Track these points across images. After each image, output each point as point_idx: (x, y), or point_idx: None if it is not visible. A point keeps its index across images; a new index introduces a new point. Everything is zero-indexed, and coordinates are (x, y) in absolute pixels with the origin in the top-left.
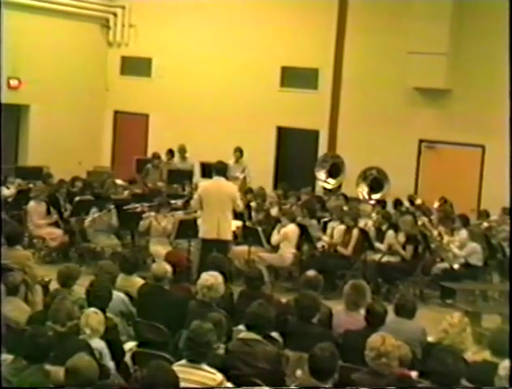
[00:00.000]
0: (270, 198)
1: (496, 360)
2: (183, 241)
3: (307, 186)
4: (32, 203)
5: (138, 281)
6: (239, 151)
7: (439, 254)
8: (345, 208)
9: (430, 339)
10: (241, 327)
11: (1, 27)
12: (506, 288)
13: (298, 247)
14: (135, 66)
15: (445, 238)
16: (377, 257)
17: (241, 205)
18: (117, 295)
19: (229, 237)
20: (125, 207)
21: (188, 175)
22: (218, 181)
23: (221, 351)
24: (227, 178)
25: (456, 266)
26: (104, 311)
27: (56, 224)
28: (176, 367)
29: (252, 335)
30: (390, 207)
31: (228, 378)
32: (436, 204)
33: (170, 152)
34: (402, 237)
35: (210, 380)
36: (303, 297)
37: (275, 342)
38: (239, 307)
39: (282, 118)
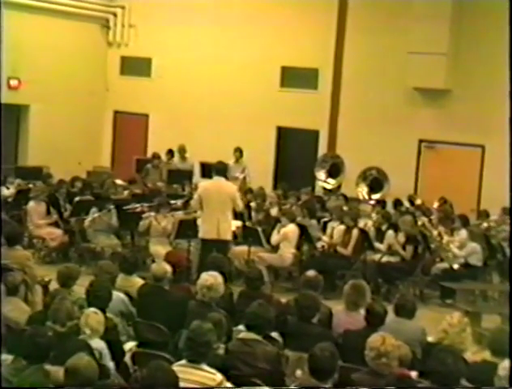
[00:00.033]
0: (270, 198)
1: (495, 360)
2: (183, 242)
3: (307, 186)
4: (31, 203)
5: (137, 281)
6: (239, 151)
7: (439, 254)
8: (345, 208)
9: (430, 339)
10: (241, 327)
11: (1, 27)
12: (506, 288)
13: (298, 247)
14: (135, 66)
15: (445, 238)
16: (376, 257)
17: (241, 205)
18: (117, 295)
19: (229, 237)
20: (125, 207)
21: (188, 175)
22: (218, 181)
23: (221, 351)
24: (227, 178)
25: (456, 266)
26: (103, 311)
27: (56, 224)
28: (176, 367)
29: (252, 336)
30: (389, 207)
31: (228, 378)
32: (436, 204)
33: (170, 152)
34: (402, 237)
35: (210, 380)
36: (303, 297)
37: (275, 342)
38: (239, 307)
39: (282, 118)
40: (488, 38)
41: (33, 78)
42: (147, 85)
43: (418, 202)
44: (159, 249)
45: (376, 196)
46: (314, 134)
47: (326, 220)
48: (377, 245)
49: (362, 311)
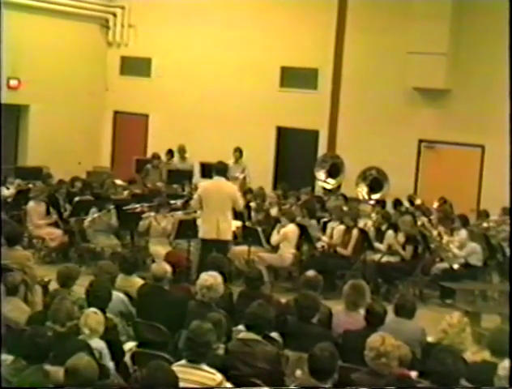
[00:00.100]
0: (269, 198)
1: (495, 360)
2: (183, 242)
3: (307, 186)
4: (31, 204)
5: (137, 281)
6: (239, 152)
7: (439, 254)
8: (345, 208)
9: (430, 339)
10: (241, 327)
11: (1, 27)
12: (506, 288)
13: (298, 247)
14: (135, 66)
15: (445, 238)
16: (376, 257)
17: (241, 205)
18: (117, 295)
19: (229, 237)
20: (124, 208)
21: (187, 175)
22: (218, 181)
23: (221, 351)
24: (227, 178)
25: (456, 266)
26: (103, 311)
27: (55, 225)
28: (175, 367)
29: (251, 336)
30: (389, 207)
31: (228, 378)
32: (435, 204)
33: (170, 152)
34: (401, 237)
35: (209, 380)
36: (303, 297)
37: (275, 342)
38: (238, 307)
39: (282, 118)
40: (488, 38)
41: (33, 78)
42: (147, 85)
43: (418, 202)
44: (159, 249)
45: (376, 196)
46: (314, 134)
47: (325, 220)
48: (376, 245)
49: (362, 311)
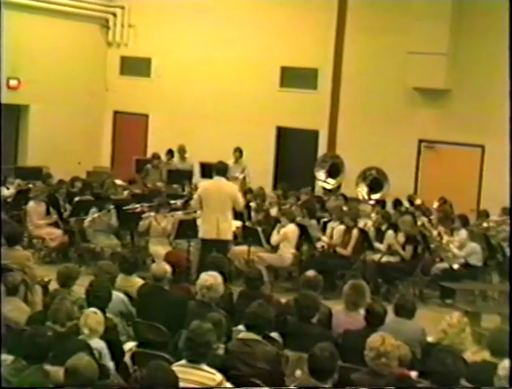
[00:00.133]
0: (269, 198)
1: (495, 360)
2: (183, 242)
3: (307, 186)
4: (31, 204)
5: (137, 281)
6: (239, 152)
7: (439, 254)
8: (345, 208)
9: (430, 339)
10: (241, 327)
11: (1, 27)
12: (506, 288)
13: (298, 247)
14: (135, 66)
15: (445, 238)
16: (376, 257)
17: (241, 204)
18: (117, 295)
19: (229, 236)
20: (124, 208)
21: (187, 175)
22: (218, 181)
23: (221, 351)
24: (227, 178)
25: (456, 266)
26: (103, 311)
27: (55, 225)
28: (175, 367)
29: (251, 336)
30: (389, 207)
31: (228, 378)
32: (435, 204)
33: (170, 152)
34: (401, 237)
35: (209, 380)
36: (302, 297)
37: (275, 342)
38: (238, 307)
39: (282, 118)
40: (487, 38)
41: (33, 78)
42: (147, 85)
43: (418, 202)
44: (158, 249)
45: (376, 196)
46: (314, 134)
47: (325, 220)
48: (376, 245)
49: (362, 311)
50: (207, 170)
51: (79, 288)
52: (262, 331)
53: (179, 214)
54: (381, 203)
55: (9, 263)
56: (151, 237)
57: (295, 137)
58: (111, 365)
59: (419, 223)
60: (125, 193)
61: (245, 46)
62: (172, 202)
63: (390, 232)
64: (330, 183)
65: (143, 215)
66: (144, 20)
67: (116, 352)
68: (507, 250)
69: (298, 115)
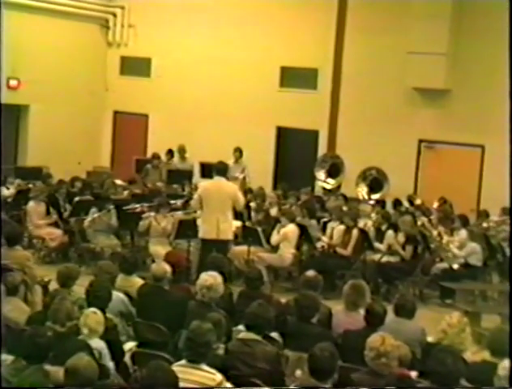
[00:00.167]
0: (269, 198)
1: (495, 360)
2: (183, 242)
3: (307, 186)
4: (31, 204)
5: (137, 281)
6: (238, 151)
7: (439, 254)
8: (345, 208)
9: (430, 339)
10: (241, 327)
11: (1, 27)
12: (506, 289)
13: (298, 247)
14: (135, 66)
15: (445, 238)
16: (376, 257)
17: (242, 204)
18: (117, 295)
19: (230, 236)
20: (124, 208)
21: (187, 175)
22: (218, 181)
23: (221, 351)
24: (227, 178)
25: (456, 266)
26: (103, 311)
27: (55, 225)
28: (175, 367)
29: (251, 336)
30: (389, 207)
31: (228, 378)
32: (435, 204)
33: (170, 152)
34: (401, 237)
35: (209, 380)
36: (302, 297)
37: (275, 342)
38: (238, 307)
39: (282, 118)
40: (487, 38)
41: (33, 78)
42: (147, 85)
43: (418, 202)
44: (158, 249)
45: (376, 196)
46: (314, 134)
47: (325, 220)
48: (376, 245)
49: (362, 311)
50: (207, 170)
51: (79, 288)
52: (262, 331)
53: (179, 214)
54: (381, 203)
55: (9, 263)
56: (151, 237)
57: (295, 137)
58: (111, 365)
59: (419, 223)
60: (125, 193)
61: (245, 46)
62: (172, 202)
63: (390, 232)
64: (330, 183)
65: (143, 215)
66: (144, 20)
67: (116, 352)
68: (507, 250)
69: (298, 115)
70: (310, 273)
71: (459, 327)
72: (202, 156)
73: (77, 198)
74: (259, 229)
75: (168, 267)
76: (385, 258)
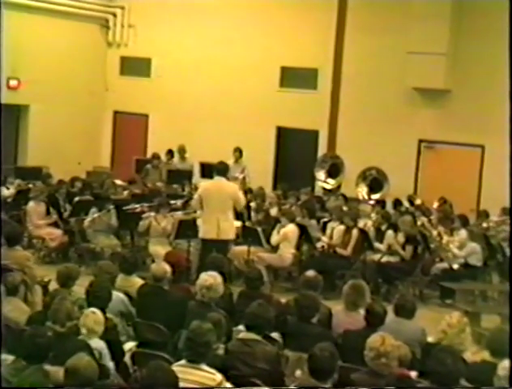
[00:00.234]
0: (269, 198)
1: (495, 360)
2: (182, 242)
3: (306, 186)
4: (31, 204)
5: (137, 281)
6: (238, 152)
7: (438, 254)
8: (344, 208)
9: (430, 339)
10: (241, 327)
11: (1, 27)
12: (506, 289)
13: (298, 247)
14: (135, 67)
15: (445, 238)
16: (376, 257)
17: (242, 203)
18: (117, 295)
19: (230, 236)
20: (124, 208)
21: (187, 175)
22: (219, 181)
23: (221, 351)
24: (227, 178)
25: (455, 266)
26: (103, 311)
27: (55, 225)
28: (175, 367)
29: (251, 336)
30: (389, 207)
31: (228, 378)
32: (435, 204)
33: (170, 153)
34: (401, 237)
35: (209, 380)
36: (302, 297)
37: (275, 342)
38: (238, 307)
39: (281, 118)
40: (487, 38)
41: (33, 78)
42: (147, 85)
43: (418, 202)
44: (158, 249)
45: (375, 196)
46: (314, 134)
47: (325, 220)
48: (376, 245)
49: (362, 311)
50: (207, 170)
51: (79, 288)
52: (262, 331)
53: (179, 214)
54: (381, 203)
55: (9, 263)
56: (151, 237)
57: (295, 137)
58: (111, 365)
59: (419, 223)
60: (125, 193)
61: (245, 46)
62: (172, 202)
63: (390, 233)
64: (330, 183)
65: (143, 215)
66: (144, 20)
67: (116, 352)
68: (507, 250)
69: (298, 115)
70: (310, 273)
71: (459, 327)
72: (202, 156)
73: (77, 198)
74: (259, 229)
75: (168, 267)
76: (385, 258)
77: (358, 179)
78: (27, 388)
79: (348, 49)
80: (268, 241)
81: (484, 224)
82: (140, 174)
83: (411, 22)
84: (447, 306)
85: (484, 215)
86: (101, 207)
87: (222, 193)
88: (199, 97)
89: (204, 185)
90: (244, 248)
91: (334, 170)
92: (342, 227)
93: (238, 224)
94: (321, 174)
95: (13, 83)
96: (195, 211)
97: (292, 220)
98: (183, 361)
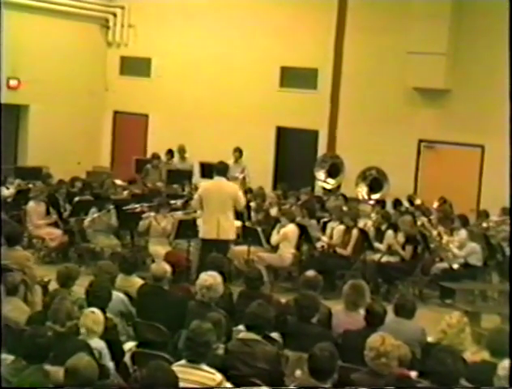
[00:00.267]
0: (269, 198)
1: (495, 360)
2: (182, 242)
3: (306, 186)
4: (31, 204)
5: (137, 281)
6: (238, 151)
7: (438, 254)
8: (344, 208)
9: (430, 339)
10: (241, 327)
11: (1, 27)
12: (506, 288)
13: (298, 247)
14: (135, 66)
15: (445, 238)
16: (376, 257)
17: (243, 203)
18: (117, 295)
19: (231, 236)
20: (124, 208)
21: (187, 175)
22: (219, 181)
23: (220, 351)
24: (227, 178)
25: (455, 266)
26: (103, 311)
27: (55, 225)
28: (175, 367)
29: (251, 336)
30: (389, 207)
31: (228, 378)
32: (435, 204)
33: (169, 152)
34: (401, 237)
35: (209, 380)
36: (302, 297)
37: (275, 342)
38: (238, 307)
39: (281, 118)
40: (487, 38)
41: (33, 78)
42: (147, 85)
43: (418, 202)
44: (158, 249)
45: (375, 196)
46: (314, 134)
47: (325, 220)
48: (376, 245)
49: (362, 311)
50: (207, 170)
51: (79, 288)
52: (262, 331)
53: (179, 214)
54: (381, 203)
55: (9, 263)
56: (151, 237)
57: (295, 137)
58: (111, 365)
59: (419, 223)
60: (125, 193)
61: (245, 46)
62: (172, 202)
63: (390, 232)
64: (330, 183)
65: (143, 215)
66: (144, 20)
67: (116, 352)
68: (507, 250)
69: (298, 115)
70: (310, 273)
71: (459, 327)
72: (202, 155)
73: (77, 198)
74: (259, 229)
75: (168, 267)
76: (385, 258)
77: (358, 179)
78: (27, 388)
79: (348, 49)
80: (268, 241)
81: (484, 224)
82: (140, 174)
83: (411, 22)
84: (447, 306)
85: (483, 215)
86: (101, 207)
87: (222, 193)
88: (199, 97)
89: (204, 185)
90: (244, 248)
91: (334, 170)
92: (342, 227)
93: (238, 224)
94: (321, 174)
95: (13, 82)
96: (195, 211)
97: (292, 220)
98: (183, 361)
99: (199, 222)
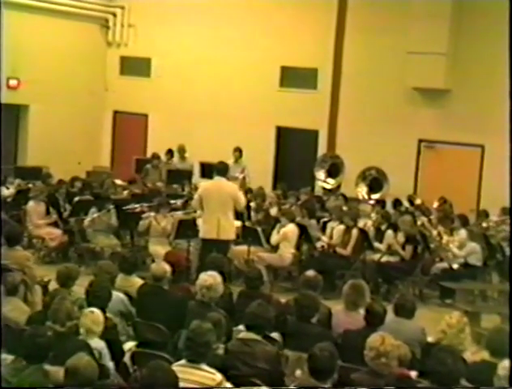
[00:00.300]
0: (269, 198)
1: (494, 360)
2: (182, 242)
3: (306, 186)
4: (31, 203)
5: (137, 281)
6: (238, 151)
7: (438, 254)
8: (344, 208)
9: (429, 339)
10: (241, 327)
11: (1, 27)
12: (506, 288)
13: (297, 247)
14: (134, 66)
15: (445, 238)
16: (376, 257)
17: (243, 203)
18: (117, 295)
19: (231, 236)
20: (124, 207)
21: (187, 175)
22: (219, 181)
23: (220, 351)
24: (227, 178)
25: (455, 266)
26: (103, 311)
27: (55, 224)
28: (175, 367)
29: (251, 335)
30: (389, 207)
31: (228, 378)
32: (435, 204)
33: (169, 152)
34: (401, 237)
35: (209, 380)
36: (302, 296)
37: (275, 342)
38: (238, 307)
39: (281, 118)
40: (487, 38)
41: (33, 78)
42: (147, 85)
43: (417, 202)
44: (158, 249)
45: (375, 196)
46: (314, 134)
47: (325, 219)
48: (376, 244)
49: (362, 311)
50: (207, 170)
51: (79, 288)
52: (262, 331)
53: (179, 214)
54: (380, 202)
55: (9, 263)
56: (150, 237)
57: (295, 137)
58: (111, 365)
59: (419, 223)
60: (125, 193)
61: (245, 46)
62: (172, 202)
63: (390, 232)
64: (330, 183)
65: (143, 215)
66: (144, 20)
67: (116, 351)
68: (507, 250)
69: (298, 115)
70: (310, 273)
71: (459, 327)
72: (202, 155)
73: (77, 198)
74: (259, 229)
75: (167, 267)
76: (385, 258)
77: (358, 179)
78: (27, 388)
79: (348, 49)
80: (268, 241)
81: (484, 224)
82: (140, 174)
83: (411, 22)
84: (447, 306)
85: (483, 215)
86: (101, 207)
87: (222, 193)
88: (199, 97)
89: (204, 185)
90: (244, 248)
91: (334, 170)
92: (342, 227)
93: (238, 223)
94: (321, 174)
95: (13, 82)
96: (195, 211)
97: (292, 220)
98: (183, 361)
99: (199, 222)
